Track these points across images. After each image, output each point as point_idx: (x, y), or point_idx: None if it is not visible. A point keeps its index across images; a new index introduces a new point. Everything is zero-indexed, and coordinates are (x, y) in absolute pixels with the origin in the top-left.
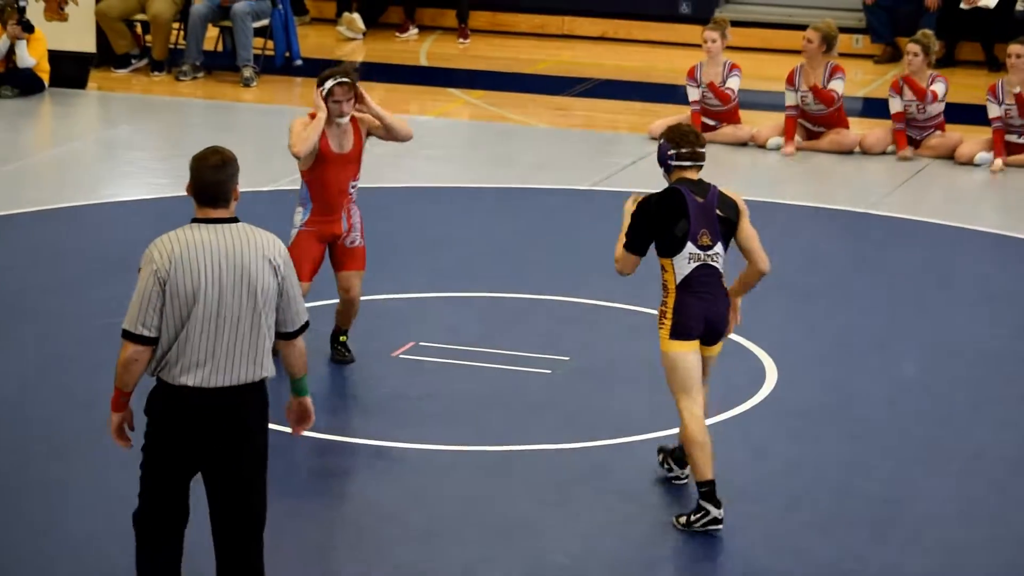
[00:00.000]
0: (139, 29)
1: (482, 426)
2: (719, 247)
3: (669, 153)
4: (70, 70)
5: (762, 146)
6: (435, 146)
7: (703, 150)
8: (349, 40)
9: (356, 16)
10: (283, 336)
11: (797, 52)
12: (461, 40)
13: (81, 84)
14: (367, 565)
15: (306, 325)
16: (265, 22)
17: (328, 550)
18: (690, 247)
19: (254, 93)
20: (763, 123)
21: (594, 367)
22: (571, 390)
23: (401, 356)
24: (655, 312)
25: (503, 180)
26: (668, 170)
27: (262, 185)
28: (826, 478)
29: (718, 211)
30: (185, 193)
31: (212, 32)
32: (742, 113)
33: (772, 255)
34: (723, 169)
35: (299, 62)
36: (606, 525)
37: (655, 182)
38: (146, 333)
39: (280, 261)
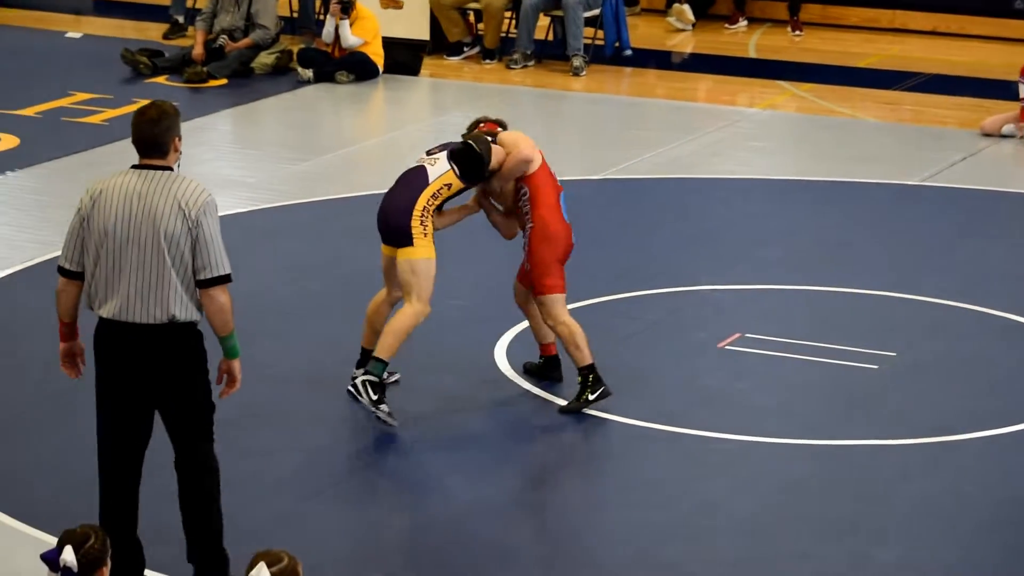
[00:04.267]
0: (472, 18)
1: (807, 419)
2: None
3: None
4: (404, 57)
5: None
6: (762, 138)
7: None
8: (678, 31)
9: (686, 7)
10: (198, 284)
11: None
12: (796, 33)
13: (414, 71)
14: (692, 554)
15: (224, 278)
16: (596, 12)
17: (650, 536)
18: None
19: (583, 82)
20: None
21: (920, 363)
22: (897, 386)
23: (727, 347)
24: (982, 310)
25: (829, 173)
26: None
27: (590, 174)
28: None
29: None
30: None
31: (543, 21)
32: None
33: None
34: None
35: (628, 52)
36: (929, 524)
37: (986, 178)
38: (67, 266)
39: (192, 207)
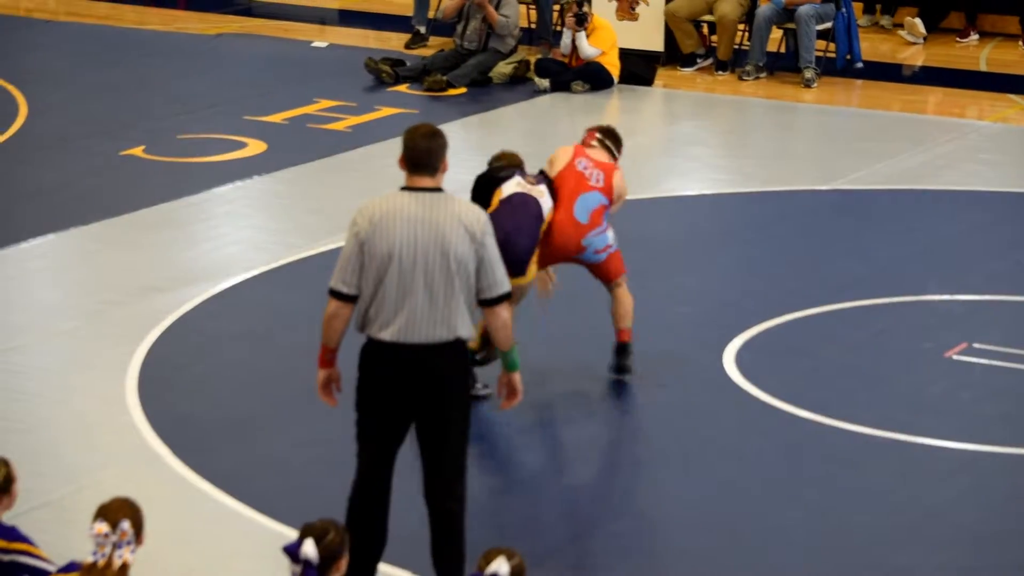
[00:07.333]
0: (705, 29)
1: None
2: None
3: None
4: (638, 67)
5: None
6: (992, 151)
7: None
8: (910, 44)
9: (917, 20)
10: (482, 303)
11: None
12: None
13: (648, 81)
14: (916, 561)
15: (507, 296)
16: (828, 25)
17: (876, 542)
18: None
19: (814, 94)
20: None
21: None
22: None
23: (953, 357)
24: None
25: None
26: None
27: (819, 184)
28: None
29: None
30: (730, 189)
31: (776, 34)
32: None
33: None
34: None
35: (860, 65)
36: None
37: None
38: (344, 290)
39: (477, 228)
